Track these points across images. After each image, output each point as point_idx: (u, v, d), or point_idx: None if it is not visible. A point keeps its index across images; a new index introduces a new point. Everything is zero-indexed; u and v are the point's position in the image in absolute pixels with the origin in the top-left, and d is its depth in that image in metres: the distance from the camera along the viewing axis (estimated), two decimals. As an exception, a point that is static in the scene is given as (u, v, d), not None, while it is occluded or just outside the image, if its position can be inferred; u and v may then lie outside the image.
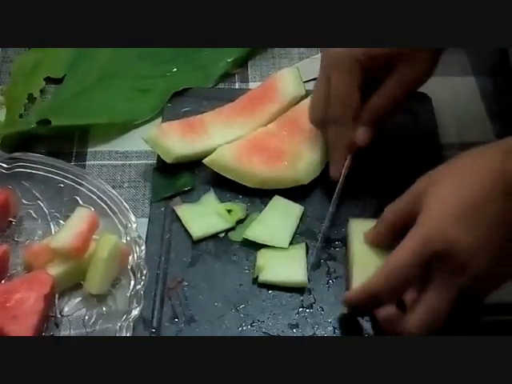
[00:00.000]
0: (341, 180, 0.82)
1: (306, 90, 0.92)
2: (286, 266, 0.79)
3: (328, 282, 0.79)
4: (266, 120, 0.90)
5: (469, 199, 0.65)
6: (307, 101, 0.90)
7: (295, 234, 0.82)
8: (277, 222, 0.83)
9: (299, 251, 0.80)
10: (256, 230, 0.82)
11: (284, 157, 0.86)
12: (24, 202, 0.83)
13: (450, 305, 0.65)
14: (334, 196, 0.82)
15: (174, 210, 0.84)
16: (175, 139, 0.87)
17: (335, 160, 0.83)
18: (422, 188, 0.69)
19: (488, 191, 0.64)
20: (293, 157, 0.86)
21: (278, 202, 0.84)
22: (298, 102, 0.91)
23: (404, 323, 0.67)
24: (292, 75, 0.93)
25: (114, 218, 0.79)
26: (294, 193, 0.85)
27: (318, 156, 0.86)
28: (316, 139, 0.87)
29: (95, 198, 0.81)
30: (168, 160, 0.86)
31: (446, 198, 0.66)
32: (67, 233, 0.76)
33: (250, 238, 0.81)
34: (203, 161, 0.85)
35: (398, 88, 0.78)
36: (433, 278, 0.65)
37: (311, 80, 0.98)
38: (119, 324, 0.72)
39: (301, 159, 0.86)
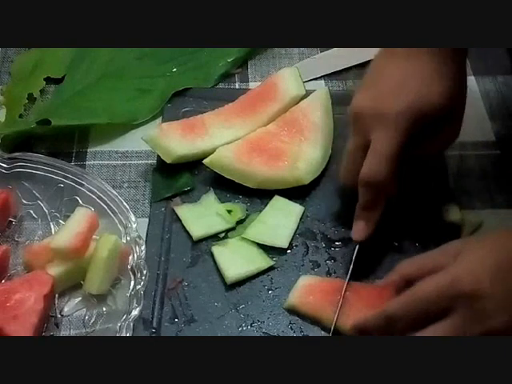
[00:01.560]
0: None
1: (306, 90, 0.92)
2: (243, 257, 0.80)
3: (328, 282, 0.79)
4: (266, 120, 0.90)
5: (506, 258, 0.64)
6: (307, 101, 0.91)
7: (295, 233, 0.82)
8: (277, 221, 0.83)
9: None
10: (256, 230, 0.82)
11: (284, 157, 0.86)
12: (24, 201, 0.83)
13: None
14: (354, 256, 0.79)
15: (173, 210, 0.84)
16: (175, 139, 0.87)
17: (364, 219, 0.79)
18: (455, 248, 0.68)
19: None
20: (293, 157, 0.86)
21: (277, 201, 0.84)
22: (298, 102, 0.91)
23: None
24: (292, 75, 0.93)
25: (114, 218, 0.79)
26: (294, 193, 0.85)
27: (318, 156, 0.86)
28: (316, 139, 0.87)
29: (95, 198, 0.81)
30: (168, 160, 0.86)
31: (482, 253, 0.66)
32: (67, 233, 0.76)
33: (250, 238, 0.81)
34: (203, 161, 0.85)
35: (441, 147, 0.81)
36: (450, 315, 0.64)
37: (311, 80, 0.99)
38: (119, 324, 0.72)
39: (301, 159, 0.86)
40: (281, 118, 0.90)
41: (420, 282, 0.66)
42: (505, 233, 0.68)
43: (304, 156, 0.86)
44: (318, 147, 0.87)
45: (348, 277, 0.77)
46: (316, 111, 0.90)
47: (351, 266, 0.78)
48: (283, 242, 0.81)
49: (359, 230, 0.79)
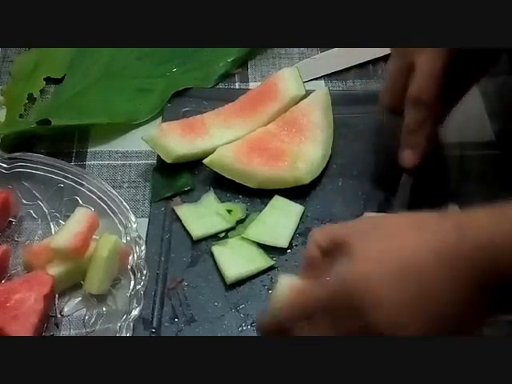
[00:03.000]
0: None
1: (306, 90, 0.92)
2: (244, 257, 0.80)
3: (328, 282, 0.79)
4: (266, 120, 0.90)
5: (410, 265, 0.56)
6: (307, 101, 0.91)
7: (295, 233, 0.82)
8: (277, 221, 0.83)
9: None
10: (256, 230, 0.82)
11: (284, 157, 0.86)
12: (24, 201, 0.83)
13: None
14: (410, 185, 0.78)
15: (173, 210, 0.84)
16: (175, 139, 0.87)
17: (412, 145, 0.78)
18: (368, 224, 0.62)
19: (436, 268, 0.56)
20: (293, 157, 0.86)
21: (278, 201, 0.84)
22: (297, 102, 0.91)
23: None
24: (292, 75, 0.93)
25: (114, 218, 0.79)
26: (294, 193, 0.85)
27: (318, 156, 0.86)
28: (316, 139, 0.87)
29: (95, 198, 0.81)
30: (168, 160, 0.86)
31: (384, 250, 0.58)
32: (67, 233, 0.76)
33: (250, 238, 0.81)
34: (203, 161, 0.85)
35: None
36: (331, 317, 0.59)
37: (311, 80, 0.99)
38: (119, 324, 0.72)
39: (301, 159, 0.86)
40: (281, 117, 0.90)
41: (312, 274, 0.61)
42: (415, 222, 0.60)
43: (304, 156, 0.86)
44: (318, 147, 0.87)
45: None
46: (316, 111, 0.90)
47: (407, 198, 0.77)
48: (283, 242, 0.81)
49: (408, 156, 0.78)
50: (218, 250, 0.80)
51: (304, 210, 0.84)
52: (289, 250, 0.81)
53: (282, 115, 0.90)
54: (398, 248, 0.57)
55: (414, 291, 0.56)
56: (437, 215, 0.60)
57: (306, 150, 0.87)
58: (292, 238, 0.82)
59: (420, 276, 0.56)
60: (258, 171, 0.85)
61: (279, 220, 0.83)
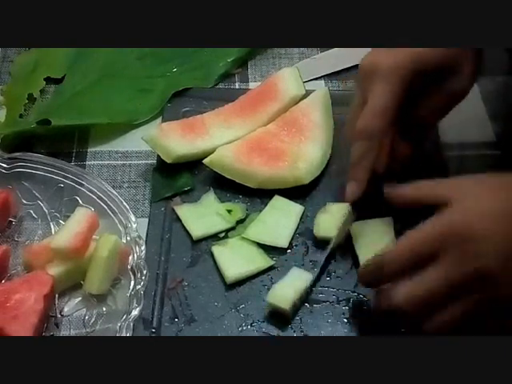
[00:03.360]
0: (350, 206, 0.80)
1: (306, 90, 0.92)
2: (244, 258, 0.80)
3: (328, 283, 0.79)
4: (266, 120, 0.90)
5: (504, 203, 0.65)
6: (307, 101, 0.91)
7: (295, 233, 0.82)
8: (277, 221, 0.83)
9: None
10: (256, 230, 0.82)
11: (284, 157, 0.86)
12: (24, 202, 0.83)
13: (446, 290, 0.64)
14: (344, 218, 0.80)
15: (173, 210, 0.84)
16: (175, 139, 0.87)
17: (355, 179, 0.80)
18: (454, 183, 0.70)
19: None
20: (293, 157, 0.86)
21: (278, 201, 0.84)
22: (297, 102, 0.91)
23: (393, 292, 0.66)
24: (292, 75, 0.93)
25: (114, 218, 0.79)
26: (294, 193, 0.85)
27: (318, 156, 0.86)
28: (316, 139, 0.87)
29: (95, 198, 0.81)
30: (168, 160, 0.86)
31: (478, 194, 0.66)
32: (67, 233, 0.76)
33: (250, 238, 0.81)
34: (203, 161, 0.85)
35: (447, 100, 0.78)
36: (440, 259, 0.64)
37: (311, 80, 0.99)
38: (119, 324, 0.72)
39: (301, 159, 0.86)
40: (281, 117, 0.90)
41: (411, 230, 0.66)
42: (507, 177, 0.67)
43: (304, 156, 0.86)
44: (318, 147, 0.87)
45: (334, 239, 0.79)
46: (316, 111, 0.90)
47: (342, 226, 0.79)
48: (283, 242, 0.81)
49: (351, 190, 0.80)
50: (217, 250, 0.80)
51: (304, 209, 0.84)
52: (289, 250, 0.81)
53: (282, 115, 0.90)
54: (491, 196, 0.65)
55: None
56: None
57: (306, 150, 0.87)
58: (292, 238, 0.82)
59: None
60: (258, 171, 0.85)
61: (279, 220, 0.83)
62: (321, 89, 0.93)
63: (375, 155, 0.79)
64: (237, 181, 0.85)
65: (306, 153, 0.86)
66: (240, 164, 0.85)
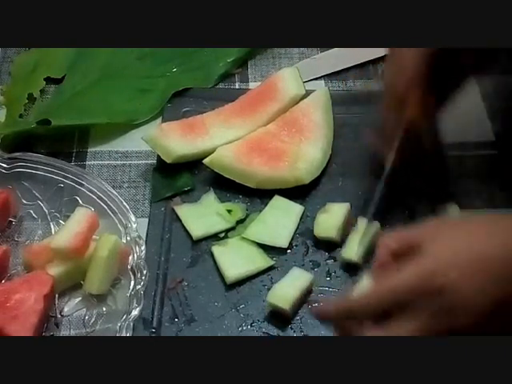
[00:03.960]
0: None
1: (306, 90, 0.92)
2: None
3: (328, 283, 0.79)
4: (266, 120, 0.90)
5: (481, 256, 0.62)
6: (307, 100, 0.91)
7: (295, 233, 0.82)
8: (277, 221, 0.82)
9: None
10: (256, 230, 0.82)
11: (284, 157, 0.86)
12: (24, 201, 0.83)
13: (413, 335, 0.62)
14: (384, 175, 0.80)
15: (173, 210, 0.84)
16: (175, 139, 0.87)
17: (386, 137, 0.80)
18: (434, 227, 0.66)
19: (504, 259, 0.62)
20: (293, 157, 0.86)
21: (278, 201, 0.84)
22: (297, 102, 0.91)
23: (356, 331, 0.64)
24: (292, 75, 0.93)
25: (114, 218, 0.79)
26: (294, 193, 0.85)
27: (318, 156, 0.86)
28: (316, 139, 0.87)
29: (95, 198, 0.81)
30: (168, 160, 0.86)
31: (457, 246, 0.63)
32: (67, 233, 0.76)
33: (250, 238, 0.81)
34: (203, 161, 0.85)
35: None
36: (416, 310, 0.62)
37: (311, 80, 0.99)
38: (119, 324, 0.72)
39: (301, 159, 0.86)
40: (281, 117, 0.90)
41: (385, 274, 0.64)
42: (486, 222, 0.65)
43: (304, 156, 0.86)
44: (318, 147, 0.87)
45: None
46: (316, 111, 0.90)
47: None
48: (283, 242, 0.81)
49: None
50: (218, 250, 0.80)
51: (304, 210, 0.84)
52: (289, 250, 0.81)
53: (282, 115, 0.90)
54: (468, 244, 0.63)
55: (485, 279, 0.61)
56: (503, 217, 0.65)
57: (306, 150, 0.86)
58: (292, 238, 0.82)
59: (491, 266, 0.61)
60: (258, 171, 0.85)
61: (279, 220, 0.83)
62: (321, 89, 0.93)
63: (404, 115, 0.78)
64: (237, 181, 0.85)
65: (306, 153, 0.86)
66: (240, 164, 0.85)
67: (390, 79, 0.79)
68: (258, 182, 0.85)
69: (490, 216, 0.68)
